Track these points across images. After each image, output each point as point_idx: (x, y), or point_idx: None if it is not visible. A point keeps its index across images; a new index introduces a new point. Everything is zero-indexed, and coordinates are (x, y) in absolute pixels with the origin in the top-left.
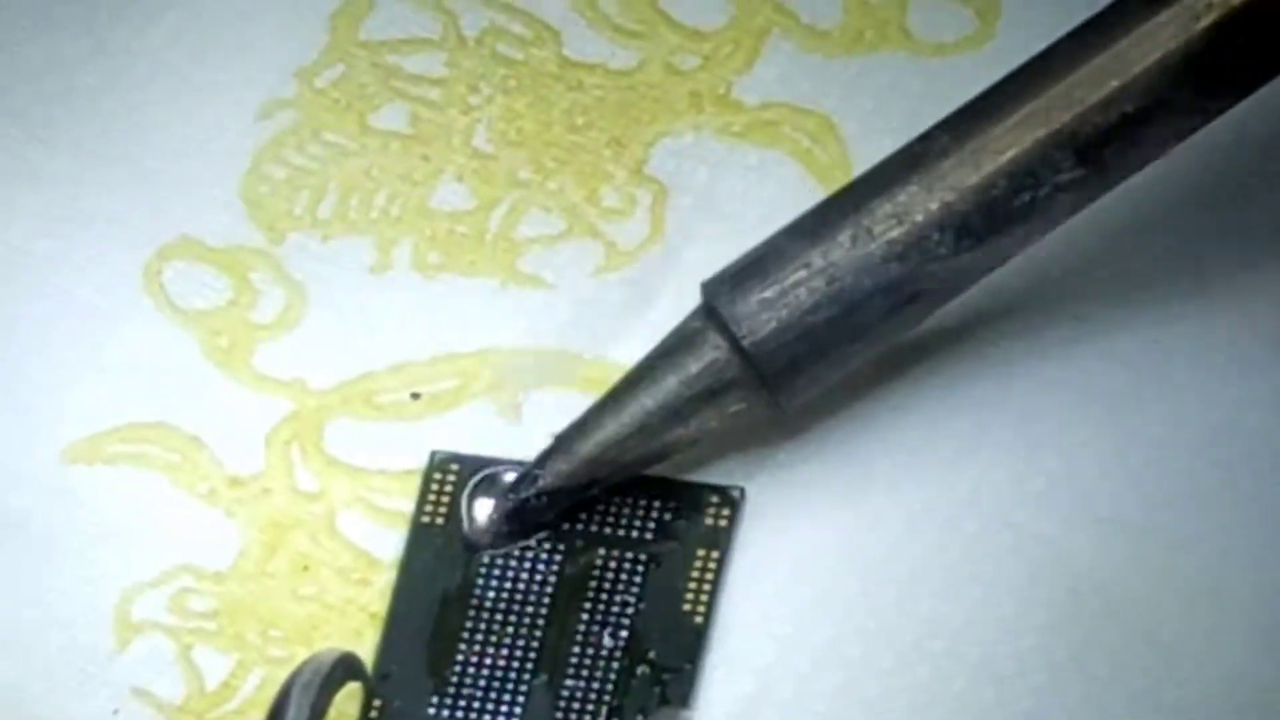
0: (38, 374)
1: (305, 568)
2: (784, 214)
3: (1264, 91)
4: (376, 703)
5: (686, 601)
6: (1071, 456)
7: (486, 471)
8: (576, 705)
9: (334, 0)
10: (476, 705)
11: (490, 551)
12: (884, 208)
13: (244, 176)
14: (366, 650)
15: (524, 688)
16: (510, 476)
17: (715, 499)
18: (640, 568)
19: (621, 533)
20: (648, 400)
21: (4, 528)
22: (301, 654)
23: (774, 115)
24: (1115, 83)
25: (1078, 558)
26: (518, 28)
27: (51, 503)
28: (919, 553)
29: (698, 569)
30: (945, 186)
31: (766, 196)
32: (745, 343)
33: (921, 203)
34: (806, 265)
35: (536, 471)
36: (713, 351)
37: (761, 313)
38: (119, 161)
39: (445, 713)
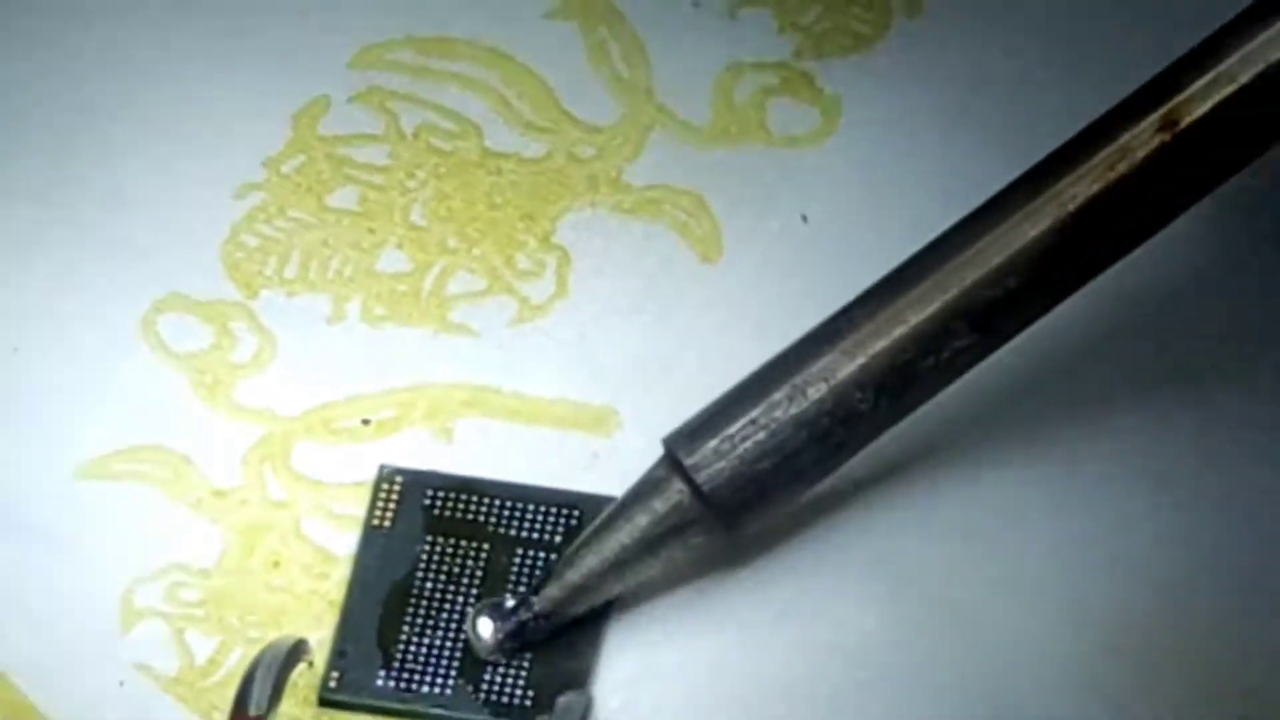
0: (55, 407)
1: (276, 564)
2: (667, 276)
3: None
4: (335, 674)
5: None
6: (896, 468)
7: (490, 600)
8: (499, 679)
9: (296, 102)
10: (418, 677)
11: (428, 548)
12: (812, 370)
13: (224, 244)
14: (326, 632)
15: (457, 664)
16: (510, 603)
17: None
18: (551, 565)
19: (536, 535)
20: (623, 536)
21: (28, 534)
22: (273, 635)
23: (657, 195)
24: (999, 260)
25: (905, 560)
26: (447, 124)
27: (67, 513)
28: (771, 554)
29: None
30: (863, 352)
31: (652, 260)
32: (704, 488)
33: (844, 366)
34: (752, 422)
35: (532, 599)
36: (676, 495)
37: (716, 462)
38: (119, 234)
39: (392, 684)
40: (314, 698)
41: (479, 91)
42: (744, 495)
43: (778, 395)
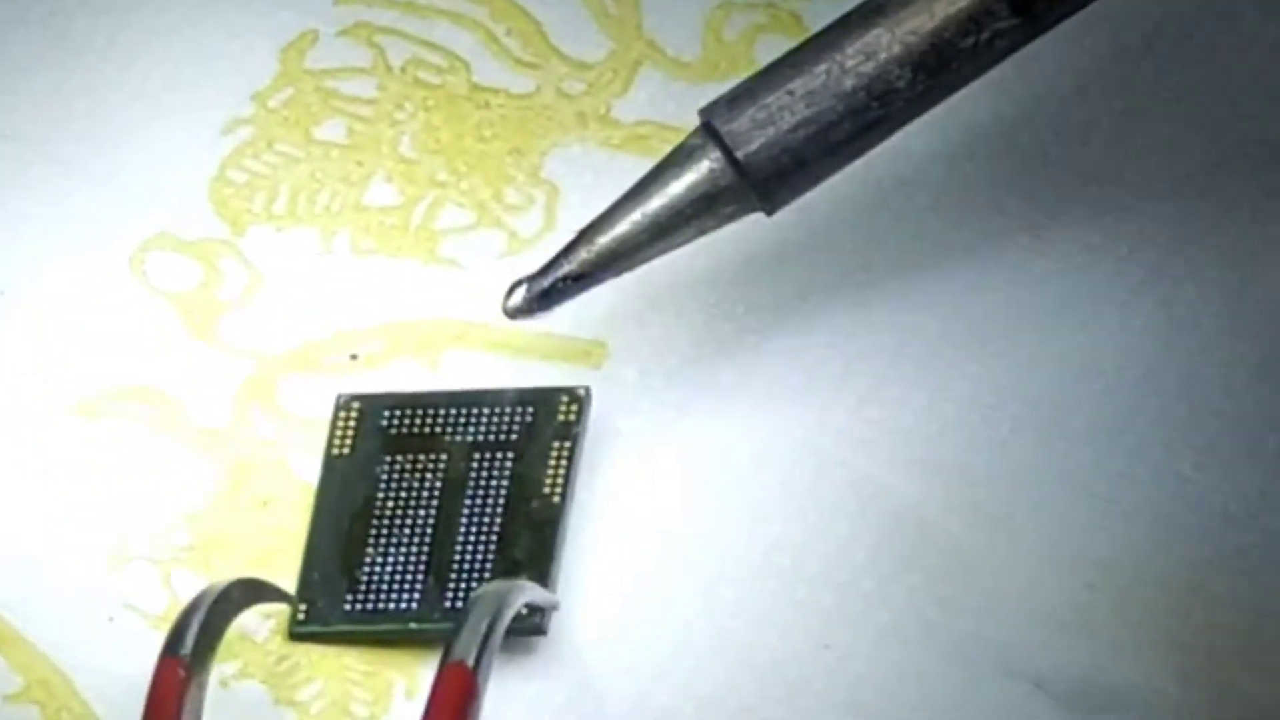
0: (42, 348)
1: (264, 503)
2: None
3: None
4: (303, 607)
5: (546, 485)
6: (892, 407)
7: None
8: (464, 586)
9: (284, 35)
10: (383, 598)
11: (388, 467)
12: (854, 46)
13: (211, 181)
14: None
15: (419, 579)
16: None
17: (565, 398)
18: (508, 464)
19: (492, 437)
20: (655, 202)
21: (21, 474)
22: (263, 575)
23: (646, 131)
24: None
25: (898, 490)
26: (435, 59)
27: (58, 454)
28: (767, 484)
29: (554, 458)
30: (905, 30)
31: None
32: (739, 154)
33: (885, 44)
34: (790, 93)
35: (563, 259)
36: (711, 162)
37: (752, 130)
38: (107, 173)
39: (358, 607)
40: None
41: (467, 27)
42: (779, 164)
43: (817, 69)
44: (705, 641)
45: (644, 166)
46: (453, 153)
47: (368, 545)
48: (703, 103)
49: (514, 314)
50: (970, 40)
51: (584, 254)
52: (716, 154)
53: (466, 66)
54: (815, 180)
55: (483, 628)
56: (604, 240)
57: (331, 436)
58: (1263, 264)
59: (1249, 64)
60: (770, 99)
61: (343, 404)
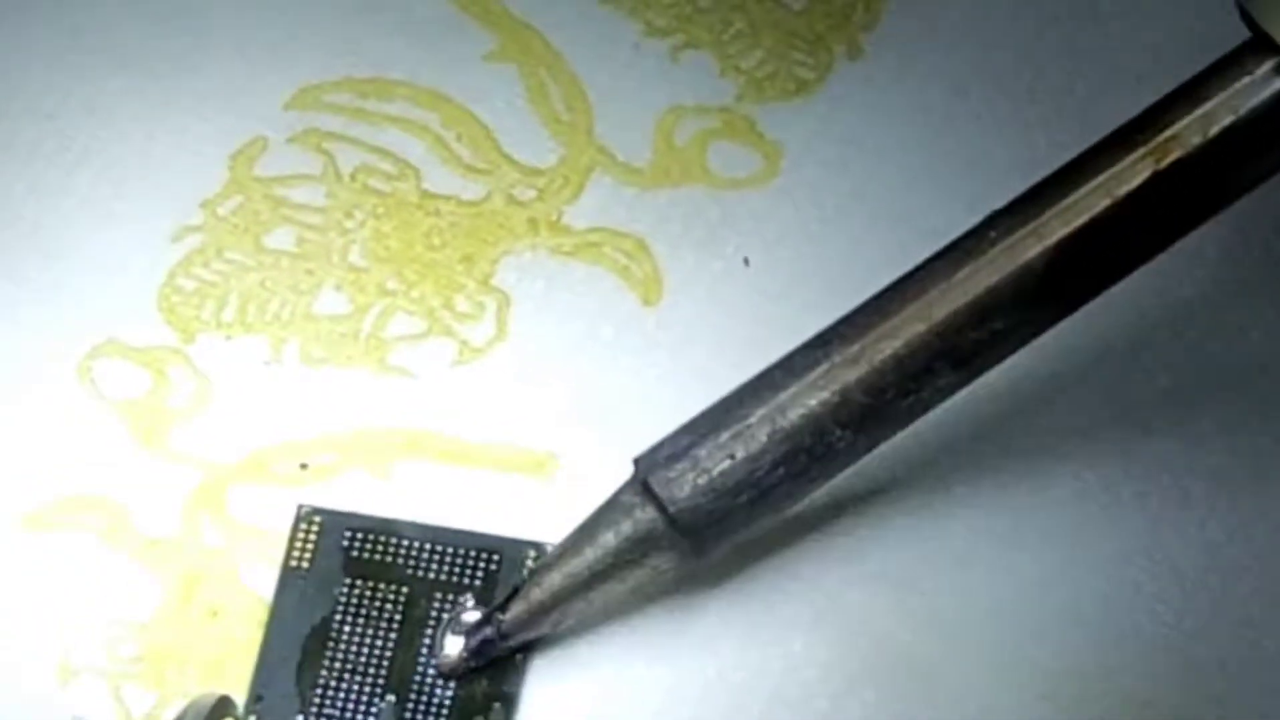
0: None
1: (214, 614)
2: (607, 319)
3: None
4: (252, 719)
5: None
6: (843, 518)
7: (455, 612)
8: None
9: (233, 142)
10: None
11: (347, 590)
12: (789, 401)
13: (160, 289)
14: None
15: (375, 707)
16: (474, 617)
17: (532, 552)
18: None
19: (455, 579)
20: (589, 556)
21: None
22: (213, 687)
23: (597, 238)
24: (986, 301)
25: (853, 607)
26: (385, 165)
27: (6, 565)
28: (720, 601)
29: None
30: (841, 388)
31: (592, 304)
32: (674, 514)
33: (822, 400)
34: (731, 456)
35: (499, 616)
36: (646, 520)
37: (688, 489)
38: (55, 280)
39: None
40: None
41: (417, 133)
42: (714, 522)
43: (753, 423)
44: None
45: (595, 274)
46: (403, 261)
47: (323, 666)
48: (655, 209)
49: (449, 671)
50: (910, 399)
51: (519, 609)
52: (650, 510)
53: (416, 173)
54: (750, 534)
55: None
56: (538, 595)
57: (290, 548)
58: None
59: None
60: (705, 455)
61: (304, 516)
